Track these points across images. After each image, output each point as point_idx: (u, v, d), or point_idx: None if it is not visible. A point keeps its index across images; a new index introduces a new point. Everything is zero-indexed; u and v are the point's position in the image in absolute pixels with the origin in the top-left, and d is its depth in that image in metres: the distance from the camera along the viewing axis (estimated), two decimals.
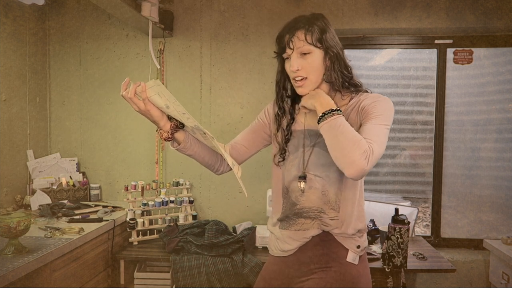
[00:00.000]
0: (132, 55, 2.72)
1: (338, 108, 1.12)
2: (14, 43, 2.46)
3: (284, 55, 1.24)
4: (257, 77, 2.63)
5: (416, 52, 2.76)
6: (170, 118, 1.21)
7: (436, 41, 2.61)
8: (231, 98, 2.66)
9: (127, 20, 2.35)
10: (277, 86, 1.33)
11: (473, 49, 2.61)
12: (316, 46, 1.19)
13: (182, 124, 1.22)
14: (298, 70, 1.20)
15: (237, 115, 2.66)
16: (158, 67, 2.58)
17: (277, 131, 1.34)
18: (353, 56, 2.81)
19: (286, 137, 1.31)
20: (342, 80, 1.23)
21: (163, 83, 2.66)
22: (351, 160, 1.02)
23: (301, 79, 1.21)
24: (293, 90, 1.32)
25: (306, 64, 1.20)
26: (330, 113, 1.10)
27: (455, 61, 2.63)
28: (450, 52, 2.62)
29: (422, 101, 2.75)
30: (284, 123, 1.33)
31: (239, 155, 1.39)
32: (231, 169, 1.39)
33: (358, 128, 1.18)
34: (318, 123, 1.13)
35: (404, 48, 2.71)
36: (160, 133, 1.22)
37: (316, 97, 1.17)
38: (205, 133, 1.18)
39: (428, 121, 2.72)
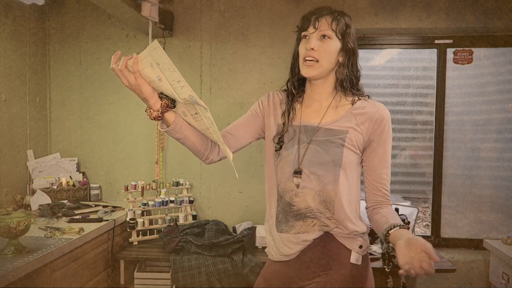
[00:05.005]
0: None
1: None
2: (14, 43, 2.46)
3: (305, 33, 1.23)
4: (257, 77, 2.63)
5: (416, 52, 2.75)
6: (161, 98, 1.14)
7: (436, 41, 2.61)
8: (231, 98, 2.66)
9: (127, 20, 2.35)
10: (291, 70, 1.34)
11: (473, 49, 2.61)
12: (337, 36, 1.21)
13: (173, 104, 1.16)
14: (313, 49, 1.19)
15: (237, 115, 2.62)
16: None
17: (282, 115, 1.31)
18: None
19: (282, 130, 1.29)
20: (350, 79, 1.24)
21: None
22: None
23: (312, 60, 1.20)
24: (296, 84, 1.32)
25: (323, 47, 1.20)
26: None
27: (455, 61, 2.62)
28: (450, 52, 2.62)
29: (422, 101, 2.75)
30: (284, 116, 1.31)
31: (229, 146, 1.32)
32: (220, 159, 1.34)
33: (363, 134, 1.22)
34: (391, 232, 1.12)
35: (404, 48, 2.71)
36: (150, 112, 1.13)
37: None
38: (200, 105, 1.09)
39: (428, 121, 2.72)
